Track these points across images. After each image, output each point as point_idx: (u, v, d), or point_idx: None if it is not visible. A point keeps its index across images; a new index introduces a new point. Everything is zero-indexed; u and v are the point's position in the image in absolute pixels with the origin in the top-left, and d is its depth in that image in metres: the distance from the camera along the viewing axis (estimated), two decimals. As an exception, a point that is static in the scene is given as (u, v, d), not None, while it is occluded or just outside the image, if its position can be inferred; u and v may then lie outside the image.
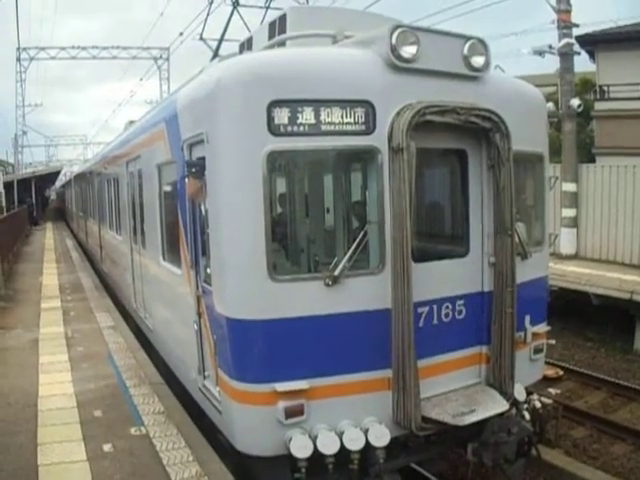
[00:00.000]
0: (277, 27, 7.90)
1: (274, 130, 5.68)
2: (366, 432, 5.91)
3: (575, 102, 20.10)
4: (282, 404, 5.76)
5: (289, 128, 5.72)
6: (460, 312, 6.68)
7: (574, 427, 10.71)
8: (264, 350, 5.90)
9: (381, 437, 5.90)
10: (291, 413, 5.79)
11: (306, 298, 5.88)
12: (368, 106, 5.97)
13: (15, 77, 55.85)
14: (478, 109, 6.35)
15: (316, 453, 5.76)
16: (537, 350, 7.54)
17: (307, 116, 5.75)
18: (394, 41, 6.06)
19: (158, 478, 6.07)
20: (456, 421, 6.05)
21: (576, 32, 20.79)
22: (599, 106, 24.98)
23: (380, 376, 6.11)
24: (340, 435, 5.84)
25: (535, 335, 7.35)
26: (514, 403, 6.88)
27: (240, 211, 5.83)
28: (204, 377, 7.10)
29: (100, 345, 11.04)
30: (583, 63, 24.80)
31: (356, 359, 6.05)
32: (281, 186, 7.10)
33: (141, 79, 54.68)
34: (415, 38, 6.13)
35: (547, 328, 7.74)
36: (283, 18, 7.85)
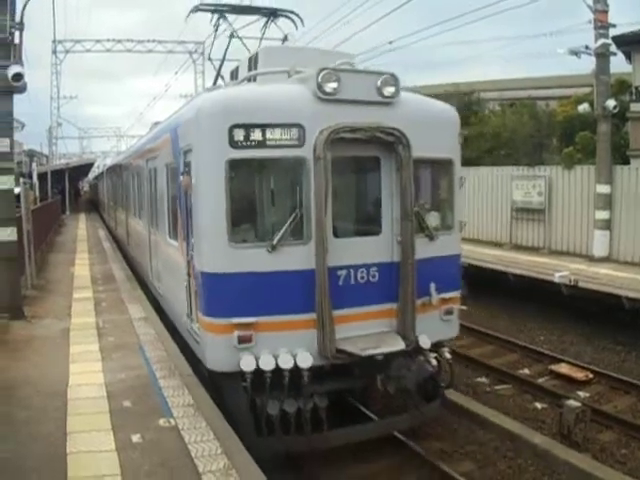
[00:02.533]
0: (253, 63, 10.69)
1: (233, 144, 8.00)
2: (295, 357, 8.07)
3: (611, 103, 19.81)
4: (236, 333, 8.00)
5: (244, 143, 8.03)
6: (374, 276, 8.75)
7: (602, 431, 10.62)
8: (224, 294, 8.17)
9: (305, 360, 8.06)
10: (242, 340, 8.02)
11: (254, 259, 8.15)
12: (300, 128, 8.23)
13: (50, 69, 56.41)
14: (383, 127, 8.47)
15: (259, 371, 7.93)
16: (448, 312, 9.53)
17: (256, 135, 8.07)
18: (320, 80, 8.26)
19: (186, 470, 6.14)
20: (361, 352, 8.12)
21: (613, 32, 20.45)
22: (635, 107, 24.50)
23: (308, 318, 8.25)
24: (276, 358, 8.02)
25: (445, 300, 9.37)
26: (419, 350, 8.92)
27: (211, 200, 8.21)
28: (191, 320, 9.30)
29: (131, 336, 11.21)
30: (619, 64, 24.34)
31: (291, 304, 8.25)
32: (239, 183, 8.66)
33: (176, 73, 55.36)
34: (336, 77, 8.32)
35: (458, 295, 9.75)
36: (256, 56, 10.69)
